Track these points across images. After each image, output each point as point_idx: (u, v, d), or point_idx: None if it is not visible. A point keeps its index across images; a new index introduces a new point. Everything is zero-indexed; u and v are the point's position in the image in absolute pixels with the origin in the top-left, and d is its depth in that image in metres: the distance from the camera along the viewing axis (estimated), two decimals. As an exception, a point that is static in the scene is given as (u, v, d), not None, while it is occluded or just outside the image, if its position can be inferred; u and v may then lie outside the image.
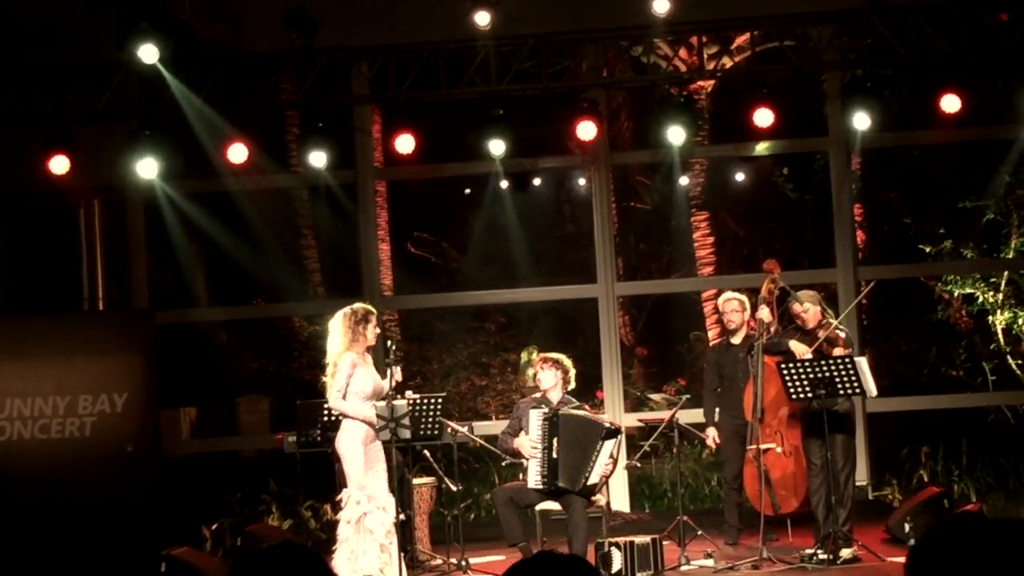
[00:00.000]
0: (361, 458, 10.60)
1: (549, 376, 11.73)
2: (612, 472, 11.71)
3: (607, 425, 11.55)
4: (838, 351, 11.61)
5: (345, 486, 10.73)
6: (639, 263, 22.28)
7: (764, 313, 11.91)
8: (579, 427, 11.43)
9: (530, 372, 19.62)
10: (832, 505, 11.47)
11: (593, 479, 11.36)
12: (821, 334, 11.67)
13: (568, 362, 11.82)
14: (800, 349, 11.74)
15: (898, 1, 13.98)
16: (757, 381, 12.04)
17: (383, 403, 10.72)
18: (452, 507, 12.41)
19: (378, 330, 10.83)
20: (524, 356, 20.03)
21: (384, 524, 10.60)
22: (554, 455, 11.38)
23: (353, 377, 10.59)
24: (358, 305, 10.85)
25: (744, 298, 13.02)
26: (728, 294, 13.14)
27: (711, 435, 12.59)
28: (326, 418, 11.99)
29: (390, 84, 14.66)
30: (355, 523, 10.58)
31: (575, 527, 11.27)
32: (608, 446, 11.40)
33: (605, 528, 11.76)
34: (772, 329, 11.91)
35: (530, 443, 11.51)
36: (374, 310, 10.89)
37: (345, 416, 10.64)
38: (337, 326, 10.68)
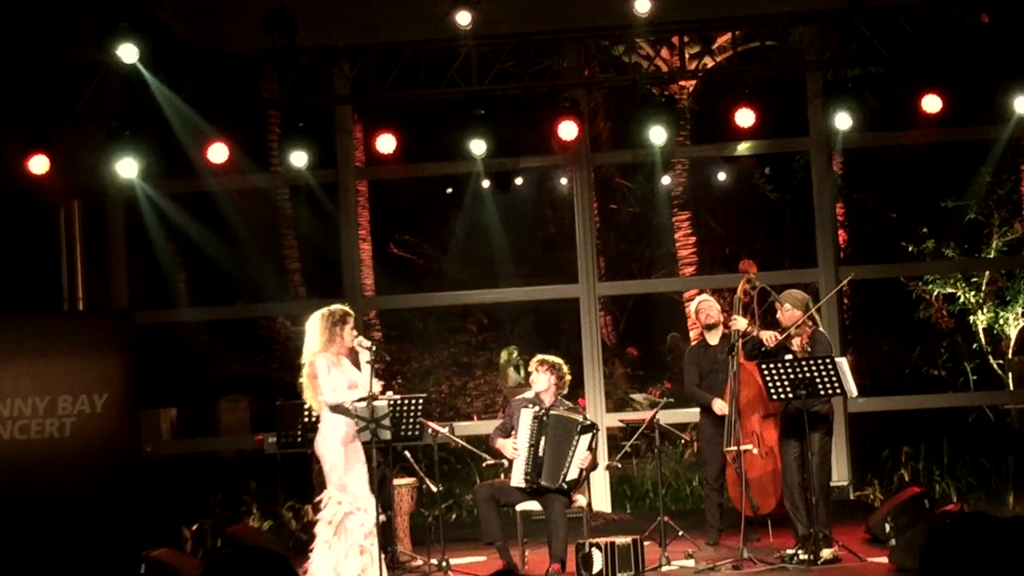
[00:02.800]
0: (342, 458, 10.59)
1: (542, 380, 11.75)
2: (591, 466, 11.69)
3: (579, 419, 11.56)
4: (796, 342, 11.60)
5: (325, 487, 10.71)
6: (620, 263, 22.28)
7: (740, 323, 11.93)
8: (561, 425, 11.48)
9: (510, 372, 19.64)
10: (810, 506, 11.50)
11: (572, 474, 11.40)
12: (793, 331, 11.66)
13: (565, 367, 11.84)
14: (767, 335, 11.75)
15: (879, 2, 13.99)
16: (734, 383, 12.06)
17: (363, 404, 10.72)
18: (433, 508, 12.38)
19: (355, 332, 10.80)
20: (504, 356, 20.03)
21: (364, 525, 10.58)
22: (540, 454, 11.42)
23: (329, 377, 10.60)
24: (336, 306, 10.83)
25: (710, 297, 13.11)
26: (699, 298, 13.19)
27: (718, 405, 12.48)
28: (306, 419, 11.96)
29: (371, 84, 14.64)
30: (335, 524, 10.56)
31: (555, 527, 11.28)
32: (584, 441, 11.45)
33: (586, 528, 11.76)
34: (751, 334, 11.93)
35: (512, 444, 11.55)
36: (352, 312, 10.89)
37: (339, 411, 10.63)
38: (314, 327, 10.67)
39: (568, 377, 11.86)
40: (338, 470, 10.59)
